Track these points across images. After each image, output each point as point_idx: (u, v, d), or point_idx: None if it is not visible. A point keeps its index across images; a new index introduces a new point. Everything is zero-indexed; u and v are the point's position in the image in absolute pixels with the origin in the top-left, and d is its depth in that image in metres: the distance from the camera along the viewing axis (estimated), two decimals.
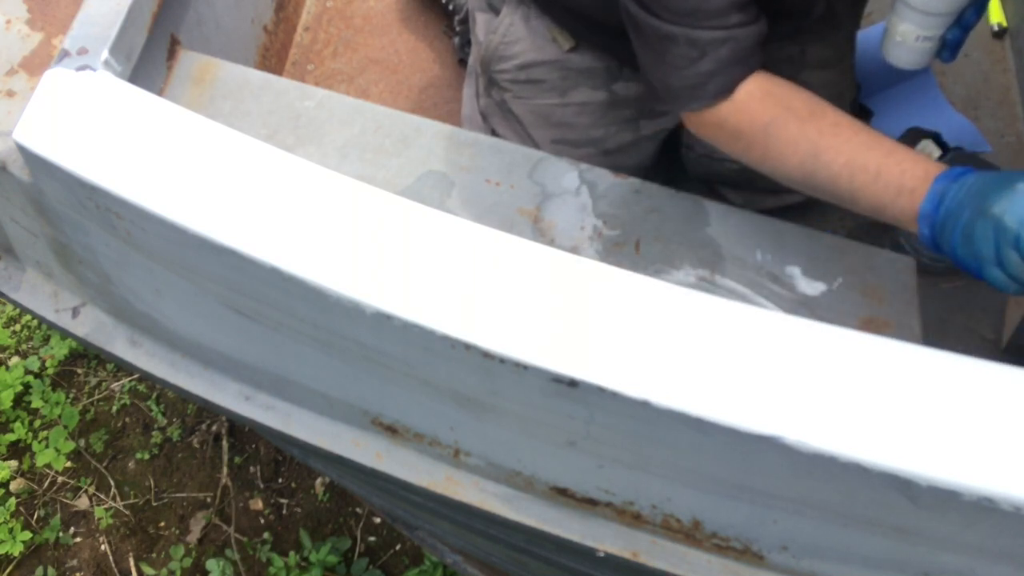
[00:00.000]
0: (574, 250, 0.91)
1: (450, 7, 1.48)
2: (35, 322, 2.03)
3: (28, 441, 1.89)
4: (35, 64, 0.91)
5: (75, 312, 0.98)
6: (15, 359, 1.99)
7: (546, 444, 0.73)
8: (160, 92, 1.00)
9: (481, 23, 1.23)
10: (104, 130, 0.76)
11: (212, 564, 1.73)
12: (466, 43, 1.44)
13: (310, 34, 1.51)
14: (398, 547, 1.75)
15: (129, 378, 1.95)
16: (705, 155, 1.27)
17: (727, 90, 0.89)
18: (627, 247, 0.92)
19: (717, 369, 0.63)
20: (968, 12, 0.93)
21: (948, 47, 0.96)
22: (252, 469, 1.84)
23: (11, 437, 1.89)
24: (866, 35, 1.40)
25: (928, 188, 0.80)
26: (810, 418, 0.60)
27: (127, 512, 1.82)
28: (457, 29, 1.47)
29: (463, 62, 1.47)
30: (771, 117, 0.88)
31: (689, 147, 1.29)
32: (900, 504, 0.61)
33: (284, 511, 1.80)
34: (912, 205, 0.81)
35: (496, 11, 1.21)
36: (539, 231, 0.93)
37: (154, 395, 1.93)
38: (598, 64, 1.19)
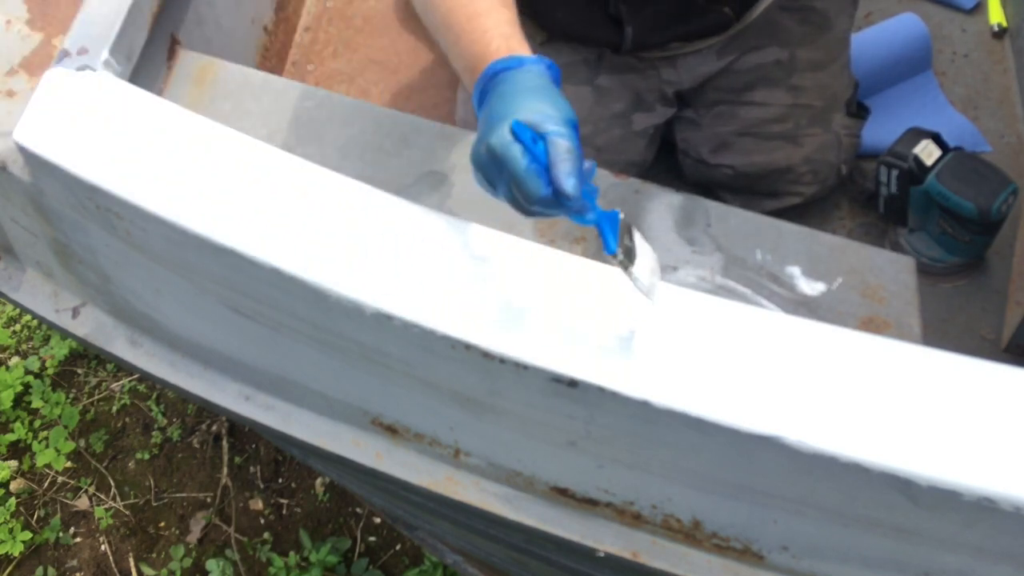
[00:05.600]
0: (574, 250, 0.91)
1: None
2: (35, 322, 2.02)
3: (28, 441, 1.89)
4: (35, 64, 0.91)
5: (75, 312, 0.98)
6: (15, 359, 1.99)
7: (546, 444, 0.73)
8: (160, 92, 1.00)
9: None
10: (104, 130, 0.76)
11: (212, 564, 1.72)
12: None
13: (310, 34, 1.51)
14: (398, 547, 1.75)
15: (129, 378, 1.95)
16: (699, 160, 1.27)
17: None
18: None
19: (717, 369, 0.63)
20: None
21: None
22: (252, 469, 1.84)
23: (11, 437, 1.89)
24: (865, 35, 1.40)
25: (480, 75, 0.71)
26: (810, 418, 0.60)
27: (127, 512, 1.81)
28: None
29: None
30: None
31: (684, 153, 1.29)
32: (900, 504, 0.61)
33: (284, 511, 1.80)
34: (470, 88, 0.74)
35: None
36: (539, 231, 0.92)
37: (154, 395, 1.93)
38: (576, 57, 1.18)
